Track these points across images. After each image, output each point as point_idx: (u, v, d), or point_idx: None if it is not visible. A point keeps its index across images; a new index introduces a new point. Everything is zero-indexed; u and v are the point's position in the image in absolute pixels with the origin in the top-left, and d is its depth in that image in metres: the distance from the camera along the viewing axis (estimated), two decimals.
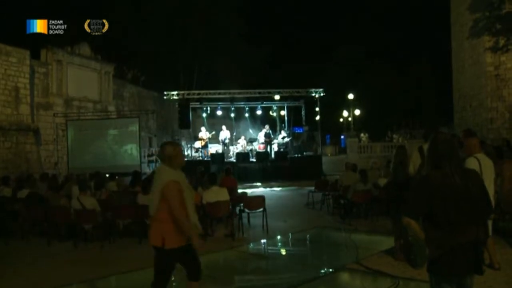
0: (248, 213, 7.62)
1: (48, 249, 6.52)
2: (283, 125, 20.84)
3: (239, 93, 18.91)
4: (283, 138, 18.62)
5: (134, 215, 6.76)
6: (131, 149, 16.68)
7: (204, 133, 18.10)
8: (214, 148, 18.88)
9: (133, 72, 25.74)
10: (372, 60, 32.45)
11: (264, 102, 19.12)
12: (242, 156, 17.35)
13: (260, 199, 7.57)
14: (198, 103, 19.44)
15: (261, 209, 7.39)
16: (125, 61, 24.35)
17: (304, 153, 18.82)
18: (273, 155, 17.76)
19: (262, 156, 17.33)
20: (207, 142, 18.15)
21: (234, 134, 19.27)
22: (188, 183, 3.30)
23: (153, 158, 19.25)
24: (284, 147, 18.29)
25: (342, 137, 30.95)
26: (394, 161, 5.34)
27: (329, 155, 27.07)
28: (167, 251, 3.13)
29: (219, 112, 19.62)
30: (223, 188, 7.01)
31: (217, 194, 6.80)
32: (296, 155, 17.93)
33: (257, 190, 13.89)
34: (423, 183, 2.45)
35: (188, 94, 18.90)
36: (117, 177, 10.07)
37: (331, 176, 15.02)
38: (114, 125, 17.44)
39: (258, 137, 18.46)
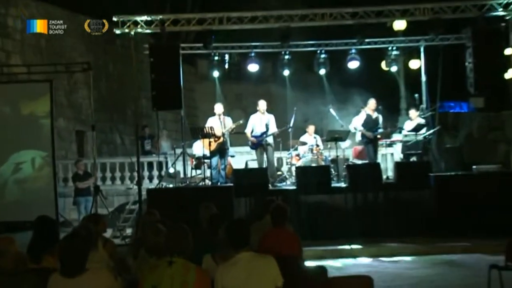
0: None
1: None
2: (416, 95, 21.07)
3: (301, 19, 18.99)
4: (418, 128, 18.77)
5: None
6: (32, 161, 16.94)
7: (217, 120, 18.13)
8: (244, 158, 18.86)
9: None
10: None
11: (367, 40, 19.10)
12: (312, 176, 17.43)
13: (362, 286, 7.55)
14: (199, 44, 19.50)
15: None
16: None
17: (474, 166, 18.69)
18: (390, 173, 17.67)
19: (365, 174, 17.43)
20: (226, 141, 18.14)
21: (293, 120, 19.32)
22: None
23: (89, 183, 19.57)
24: (419, 149, 18.76)
25: None
26: None
27: None
28: None
29: (252, 67, 19.95)
30: (266, 258, 6.85)
31: (249, 274, 6.63)
32: (451, 172, 18.09)
33: (353, 261, 14.37)
34: None
35: (176, 22, 19.01)
36: None
37: None
38: None
39: (352, 128, 18.71)
